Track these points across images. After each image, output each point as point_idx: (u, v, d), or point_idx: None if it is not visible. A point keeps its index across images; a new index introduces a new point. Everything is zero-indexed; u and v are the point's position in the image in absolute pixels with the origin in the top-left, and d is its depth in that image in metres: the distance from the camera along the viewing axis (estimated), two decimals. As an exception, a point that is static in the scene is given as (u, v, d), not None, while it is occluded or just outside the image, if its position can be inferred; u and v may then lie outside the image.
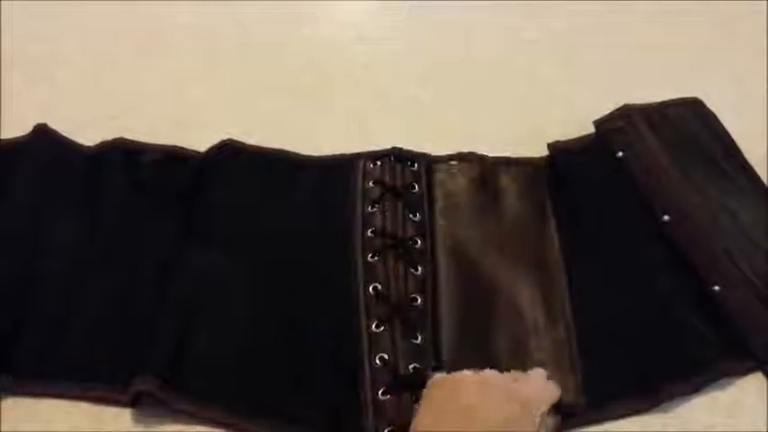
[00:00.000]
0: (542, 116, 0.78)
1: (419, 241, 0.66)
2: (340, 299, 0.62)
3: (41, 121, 0.73)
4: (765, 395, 0.59)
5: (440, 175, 0.70)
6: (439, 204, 0.68)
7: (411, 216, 0.67)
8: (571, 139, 0.74)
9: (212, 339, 0.59)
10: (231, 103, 0.79)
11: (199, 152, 0.72)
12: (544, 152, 0.73)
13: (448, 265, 0.64)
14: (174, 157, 0.71)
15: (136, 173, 0.70)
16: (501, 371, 0.58)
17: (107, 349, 0.58)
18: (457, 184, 0.70)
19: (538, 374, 0.54)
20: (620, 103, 0.74)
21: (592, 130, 0.74)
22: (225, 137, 0.72)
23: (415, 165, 0.71)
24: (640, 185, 0.69)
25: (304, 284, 0.63)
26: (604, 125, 0.73)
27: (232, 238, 0.65)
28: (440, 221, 0.67)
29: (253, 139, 0.73)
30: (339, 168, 0.72)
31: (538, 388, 0.52)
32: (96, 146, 0.72)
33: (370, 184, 0.70)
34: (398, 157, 0.71)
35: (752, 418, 0.58)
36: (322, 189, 0.70)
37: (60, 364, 0.58)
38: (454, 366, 0.58)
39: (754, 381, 0.60)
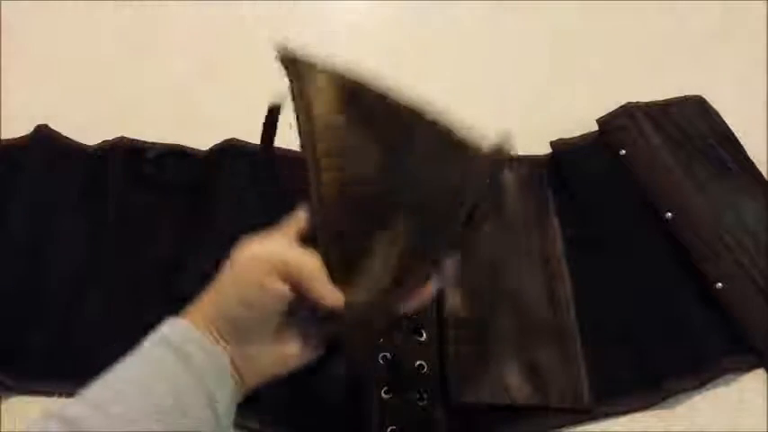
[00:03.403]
0: (542, 116, 0.78)
1: (422, 239, 0.65)
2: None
3: (42, 121, 0.72)
4: (766, 395, 0.59)
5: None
6: (442, 202, 0.68)
7: (414, 214, 0.67)
8: (574, 137, 0.74)
9: None
10: (232, 103, 0.79)
11: (201, 151, 0.72)
12: (544, 151, 0.73)
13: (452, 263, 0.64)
14: (176, 155, 0.71)
15: (139, 169, 0.70)
16: (506, 368, 0.58)
17: (113, 347, 0.58)
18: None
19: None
20: (621, 103, 0.75)
21: (592, 129, 0.74)
22: (226, 137, 0.72)
23: (418, 163, 0.71)
24: (643, 183, 0.69)
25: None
26: (607, 123, 0.74)
27: (235, 236, 0.65)
28: (443, 220, 0.67)
29: (254, 139, 0.73)
30: (341, 167, 0.71)
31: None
32: (98, 145, 0.72)
33: (373, 182, 0.69)
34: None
35: (754, 419, 0.58)
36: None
37: (66, 362, 0.57)
38: (460, 362, 0.58)
39: (756, 381, 0.60)
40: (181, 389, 0.42)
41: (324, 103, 0.48)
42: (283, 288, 0.43)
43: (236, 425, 0.55)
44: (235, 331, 0.45)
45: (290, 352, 0.47)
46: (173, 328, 0.45)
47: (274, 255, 0.44)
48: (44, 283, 0.62)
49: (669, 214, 0.67)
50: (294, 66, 0.48)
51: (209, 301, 0.46)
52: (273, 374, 0.47)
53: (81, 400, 0.42)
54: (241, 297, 0.44)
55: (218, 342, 0.44)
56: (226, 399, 0.44)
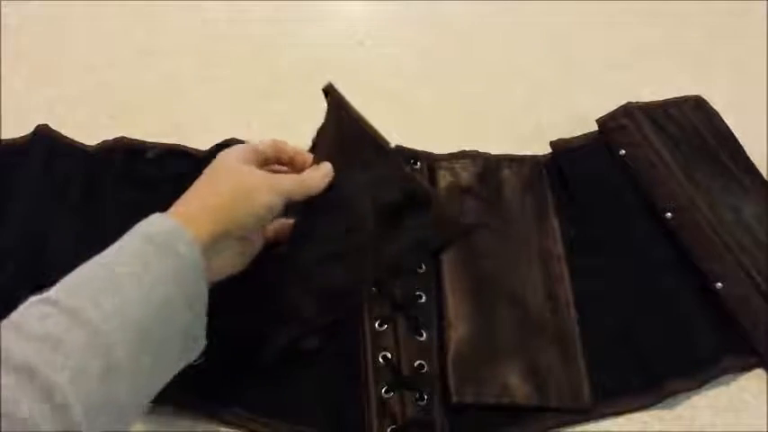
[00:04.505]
0: (542, 116, 0.78)
1: (422, 239, 0.65)
2: (342, 297, 0.62)
3: (42, 121, 0.72)
4: (766, 395, 0.59)
5: (443, 173, 0.70)
6: (442, 202, 0.68)
7: (414, 214, 0.67)
8: (574, 137, 0.74)
9: (213, 335, 0.59)
10: (231, 104, 0.79)
11: (201, 151, 0.72)
12: (544, 152, 0.73)
13: (452, 263, 0.64)
14: (176, 155, 0.71)
15: (138, 168, 0.70)
16: (506, 368, 0.58)
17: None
18: (460, 181, 0.70)
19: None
20: (621, 103, 0.75)
21: (592, 129, 0.74)
22: (225, 137, 0.72)
23: (418, 163, 0.71)
24: (643, 183, 0.69)
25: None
26: (607, 123, 0.74)
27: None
28: (443, 219, 0.67)
29: (254, 139, 0.73)
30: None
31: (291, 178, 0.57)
32: (97, 145, 0.72)
33: (373, 182, 0.69)
34: (401, 155, 0.71)
35: (754, 419, 0.58)
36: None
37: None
38: (460, 362, 0.58)
39: (755, 380, 0.60)
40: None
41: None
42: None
43: (233, 423, 0.56)
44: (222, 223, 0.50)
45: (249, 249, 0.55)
46: (160, 227, 0.50)
47: (241, 147, 0.56)
48: (44, 283, 0.62)
49: (669, 214, 0.66)
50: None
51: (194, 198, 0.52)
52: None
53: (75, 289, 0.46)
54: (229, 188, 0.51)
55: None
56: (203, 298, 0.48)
